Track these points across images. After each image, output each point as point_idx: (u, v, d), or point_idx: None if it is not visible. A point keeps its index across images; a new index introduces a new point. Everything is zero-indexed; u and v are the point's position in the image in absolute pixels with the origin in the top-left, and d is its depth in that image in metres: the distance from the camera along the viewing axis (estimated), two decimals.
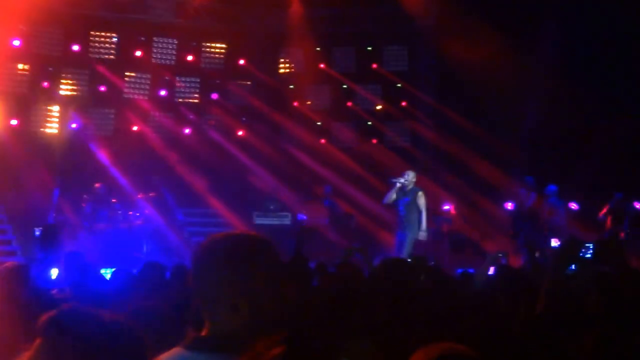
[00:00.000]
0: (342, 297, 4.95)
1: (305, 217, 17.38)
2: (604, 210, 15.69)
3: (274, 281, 2.26)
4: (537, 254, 12.99)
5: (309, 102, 20.04)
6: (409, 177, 13.72)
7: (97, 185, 16.35)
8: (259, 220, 17.57)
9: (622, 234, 14.98)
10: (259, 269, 2.25)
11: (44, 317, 2.22)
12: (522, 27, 17.66)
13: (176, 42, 18.61)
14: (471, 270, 8.71)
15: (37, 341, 2.20)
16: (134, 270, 7.43)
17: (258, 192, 18.46)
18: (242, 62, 19.30)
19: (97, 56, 17.92)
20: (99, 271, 8.62)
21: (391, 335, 4.00)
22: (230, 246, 2.29)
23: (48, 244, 11.65)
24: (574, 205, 16.08)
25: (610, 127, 16.67)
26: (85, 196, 16.35)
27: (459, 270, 8.98)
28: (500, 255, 10.65)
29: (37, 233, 14.15)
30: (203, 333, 2.26)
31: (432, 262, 9.76)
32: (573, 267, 5.06)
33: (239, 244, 2.30)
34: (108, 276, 8.13)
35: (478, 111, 18.23)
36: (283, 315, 2.26)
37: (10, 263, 5.61)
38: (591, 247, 5.82)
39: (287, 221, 17.65)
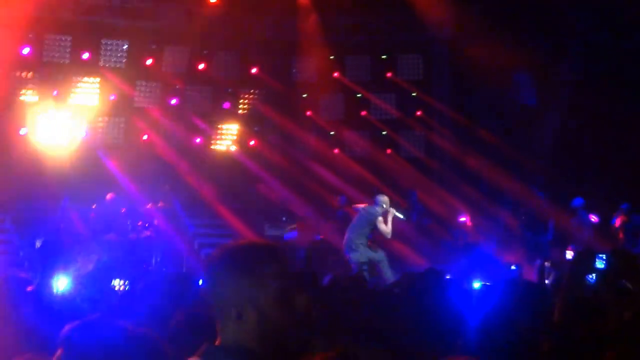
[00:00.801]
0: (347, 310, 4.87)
1: (295, 234, 17.15)
2: (619, 221, 15.50)
3: (283, 291, 2.26)
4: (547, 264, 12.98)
5: (322, 111, 19.89)
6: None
7: (108, 196, 16.29)
8: (270, 232, 17.39)
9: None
10: (265, 277, 2.25)
11: (67, 327, 2.25)
12: (543, 37, 17.49)
13: (188, 50, 18.36)
14: (488, 284, 8.53)
15: (59, 351, 2.22)
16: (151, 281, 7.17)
17: (270, 203, 18.31)
18: (254, 70, 19.11)
19: (108, 64, 17.71)
20: (110, 283, 8.49)
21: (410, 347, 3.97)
22: (236, 254, 2.31)
23: (49, 256, 11.87)
24: (594, 218, 15.91)
25: (631, 139, 16.47)
26: (94, 206, 16.27)
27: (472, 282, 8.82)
28: (513, 267, 10.31)
29: (38, 245, 14.47)
30: (216, 343, 2.29)
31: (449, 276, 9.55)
32: (592, 278, 5.04)
33: (245, 252, 2.32)
34: (121, 288, 8.26)
35: (495, 121, 18.05)
36: (292, 326, 2.25)
37: (9, 274, 5.67)
38: (604, 257, 5.67)
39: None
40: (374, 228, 13.24)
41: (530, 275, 13.09)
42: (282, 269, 2.30)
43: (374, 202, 13.51)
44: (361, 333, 3.66)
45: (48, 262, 11.08)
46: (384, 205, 13.32)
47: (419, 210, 17.41)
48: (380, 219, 13.22)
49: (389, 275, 12.73)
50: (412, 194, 17.50)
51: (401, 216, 13.65)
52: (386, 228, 13.22)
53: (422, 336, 4.25)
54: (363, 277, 8.73)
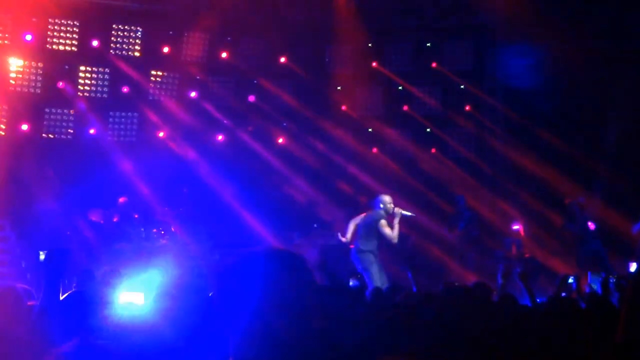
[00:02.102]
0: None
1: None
2: None
3: (287, 303, 2.30)
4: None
5: (359, 106, 19.25)
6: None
7: (120, 199, 15.71)
8: (299, 240, 16.80)
9: None
10: (277, 287, 2.31)
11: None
12: (608, 27, 16.72)
13: (209, 37, 17.54)
14: (540, 300, 8.40)
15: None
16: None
17: (299, 207, 17.86)
18: (283, 60, 18.42)
19: (119, 52, 16.90)
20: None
21: None
22: (250, 262, 2.38)
23: (55, 269, 11.73)
24: None
25: None
26: (104, 211, 15.78)
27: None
28: (570, 280, 10.20)
29: (43, 257, 13.64)
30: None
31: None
32: None
33: (260, 260, 2.37)
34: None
35: (553, 117, 17.43)
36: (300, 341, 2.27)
37: (7, 287, 5.72)
38: None
39: (333, 241, 16.29)
40: (380, 234, 12.49)
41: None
42: (299, 279, 2.35)
43: (374, 205, 12.80)
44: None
45: (54, 274, 10.63)
46: (387, 206, 12.61)
47: (467, 217, 16.77)
48: (384, 222, 12.45)
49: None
50: (460, 198, 16.91)
51: (409, 214, 12.81)
52: (391, 233, 12.45)
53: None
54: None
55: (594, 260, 14.59)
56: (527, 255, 16.09)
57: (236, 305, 2.30)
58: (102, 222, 15.62)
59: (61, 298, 7.76)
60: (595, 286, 10.81)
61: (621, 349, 3.95)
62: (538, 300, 8.18)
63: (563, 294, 8.34)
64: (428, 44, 18.90)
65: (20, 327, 5.19)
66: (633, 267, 13.96)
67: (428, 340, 4.89)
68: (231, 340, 2.39)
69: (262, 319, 2.28)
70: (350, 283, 10.22)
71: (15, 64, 15.88)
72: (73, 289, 8.02)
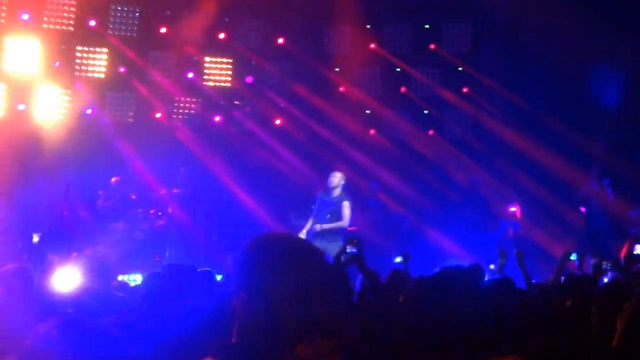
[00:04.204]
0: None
1: None
2: None
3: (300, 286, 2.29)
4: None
5: (357, 87, 19.05)
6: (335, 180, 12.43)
7: (113, 179, 15.74)
8: (297, 221, 16.38)
9: None
10: (291, 271, 2.31)
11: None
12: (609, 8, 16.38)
13: (206, 17, 17.24)
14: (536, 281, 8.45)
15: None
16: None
17: (296, 188, 17.61)
18: (281, 40, 18.22)
19: (117, 32, 16.80)
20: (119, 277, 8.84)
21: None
22: (270, 245, 2.38)
23: (50, 247, 12.13)
24: None
25: None
26: (100, 192, 15.79)
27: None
28: (573, 257, 9.84)
29: (36, 239, 14.09)
30: (233, 340, 2.37)
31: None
32: None
33: (279, 244, 2.39)
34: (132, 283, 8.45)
35: (552, 100, 17.24)
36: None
37: (10, 266, 5.78)
38: None
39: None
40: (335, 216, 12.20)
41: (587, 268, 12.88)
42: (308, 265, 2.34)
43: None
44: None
45: (48, 255, 10.75)
46: (337, 181, 12.44)
47: (476, 198, 16.73)
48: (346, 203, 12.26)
49: None
50: (474, 180, 16.95)
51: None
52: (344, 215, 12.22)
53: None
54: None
55: (595, 240, 14.61)
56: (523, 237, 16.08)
57: (250, 290, 2.30)
58: (99, 202, 15.60)
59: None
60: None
61: (623, 338, 3.96)
62: (534, 281, 8.19)
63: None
64: (426, 26, 18.79)
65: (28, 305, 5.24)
66: (639, 249, 14.24)
67: (422, 324, 4.85)
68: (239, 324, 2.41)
69: (272, 305, 2.27)
70: None
71: (12, 43, 15.76)
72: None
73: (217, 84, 18.08)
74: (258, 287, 2.30)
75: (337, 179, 12.46)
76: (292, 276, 2.29)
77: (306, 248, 2.39)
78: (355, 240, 7.52)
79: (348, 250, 7.40)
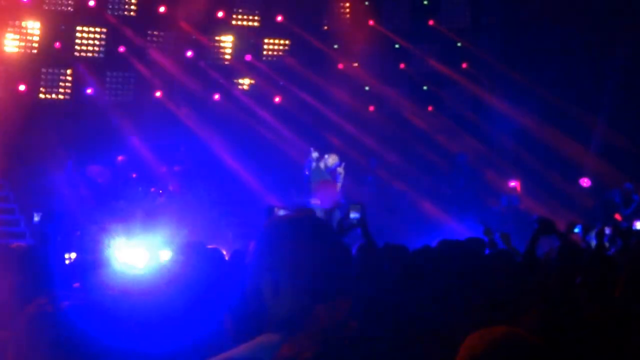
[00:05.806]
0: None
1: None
2: None
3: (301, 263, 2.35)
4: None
5: (355, 64, 19.00)
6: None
7: (119, 158, 15.85)
8: (297, 198, 16.15)
9: None
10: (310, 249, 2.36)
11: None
12: None
13: None
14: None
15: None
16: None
17: (295, 165, 17.26)
18: (279, 18, 18.13)
19: (116, 12, 16.78)
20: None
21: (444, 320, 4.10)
22: (294, 224, 2.43)
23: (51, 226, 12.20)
24: None
25: None
26: (101, 170, 15.69)
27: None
28: (576, 230, 9.90)
29: (37, 219, 13.98)
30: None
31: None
32: None
33: (302, 223, 2.43)
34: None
35: (551, 75, 17.14)
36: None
37: (15, 245, 5.48)
38: None
39: None
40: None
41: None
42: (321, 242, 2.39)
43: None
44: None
45: (50, 233, 10.98)
46: (331, 162, 12.77)
47: (466, 174, 16.91)
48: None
49: None
50: (460, 156, 17.10)
51: None
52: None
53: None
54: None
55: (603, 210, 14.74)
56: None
57: (269, 270, 2.36)
58: (99, 180, 15.54)
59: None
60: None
61: (619, 304, 4.01)
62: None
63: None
64: (425, 2, 18.75)
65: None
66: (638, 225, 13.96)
67: (422, 293, 4.92)
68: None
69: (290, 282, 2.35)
70: None
71: (12, 24, 15.79)
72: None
73: (216, 62, 18.08)
74: (287, 264, 2.36)
75: (331, 159, 12.55)
76: (318, 252, 2.37)
77: (323, 224, 2.48)
78: (359, 206, 7.36)
79: (352, 216, 7.31)
